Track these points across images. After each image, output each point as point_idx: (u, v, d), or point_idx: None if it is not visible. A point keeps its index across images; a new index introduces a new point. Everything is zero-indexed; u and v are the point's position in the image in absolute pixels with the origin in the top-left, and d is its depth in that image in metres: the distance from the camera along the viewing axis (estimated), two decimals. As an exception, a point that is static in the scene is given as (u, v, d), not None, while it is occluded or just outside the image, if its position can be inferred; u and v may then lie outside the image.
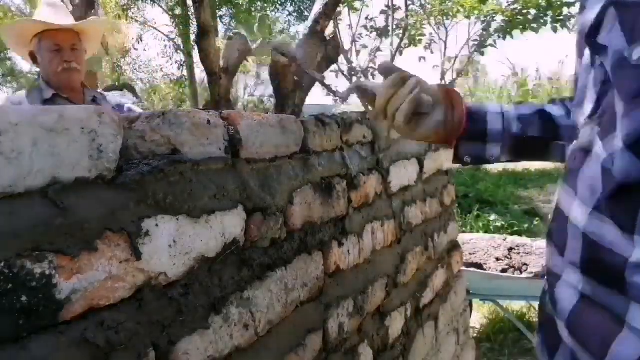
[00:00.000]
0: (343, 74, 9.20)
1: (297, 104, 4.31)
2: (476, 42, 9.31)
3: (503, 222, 6.05)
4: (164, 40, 15.61)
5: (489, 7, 8.59)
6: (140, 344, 0.60)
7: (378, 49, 9.60)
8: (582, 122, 0.62)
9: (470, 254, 3.44)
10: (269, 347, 0.86)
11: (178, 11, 13.03)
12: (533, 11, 8.16)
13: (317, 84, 4.87)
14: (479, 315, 3.75)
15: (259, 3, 13.39)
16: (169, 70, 16.48)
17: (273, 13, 14.20)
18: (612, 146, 0.52)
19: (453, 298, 1.93)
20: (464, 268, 2.23)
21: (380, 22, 9.59)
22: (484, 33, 9.09)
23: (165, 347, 0.64)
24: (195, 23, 7.53)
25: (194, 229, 0.71)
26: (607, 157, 0.53)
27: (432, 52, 9.93)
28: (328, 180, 1.09)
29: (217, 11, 12.22)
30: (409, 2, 9.36)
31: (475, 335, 3.46)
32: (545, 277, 0.67)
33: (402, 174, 1.51)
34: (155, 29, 15.50)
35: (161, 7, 14.04)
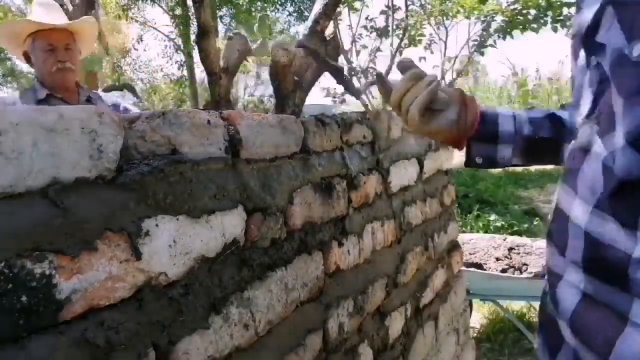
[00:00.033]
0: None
1: (297, 104, 4.30)
2: (476, 42, 9.29)
3: (503, 222, 6.06)
4: (164, 41, 15.61)
5: (489, 7, 8.59)
6: (140, 344, 0.60)
7: (378, 49, 9.59)
8: (579, 122, 0.63)
9: (470, 254, 3.44)
10: (269, 347, 0.86)
11: (178, 11, 13.02)
12: (533, 11, 8.16)
13: (316, 85, 4.86)
14: (479, 315, 3.75)
15: (259, 3, 13.38)
16: (169, 71, 16.49)
17: (273, 13, 14.19)
18: (613, 144, 0.52)
19: (453, 298, 1.93)
20: (464, 268, 2.23)
21: (380, 22, 9.58)
22: (484, 33, 9.07)
23: (165, 347, 0.64)
24: (195, 23, 7.53)
25: (194, 229, 0.71)
26: (608, 155, 0.53)
27: (432, 52, 9.92)
28: (328, 180, 1.09)
29: (217, 11, 12.22)
30: (409, 2, 9.35)
31: (475, 335, 3.46)
32: (546, 277, 0.67)
33: (402, 174, 1.51)
34: (155, 29, 15.49)
35: (161, 7, 14.03)
